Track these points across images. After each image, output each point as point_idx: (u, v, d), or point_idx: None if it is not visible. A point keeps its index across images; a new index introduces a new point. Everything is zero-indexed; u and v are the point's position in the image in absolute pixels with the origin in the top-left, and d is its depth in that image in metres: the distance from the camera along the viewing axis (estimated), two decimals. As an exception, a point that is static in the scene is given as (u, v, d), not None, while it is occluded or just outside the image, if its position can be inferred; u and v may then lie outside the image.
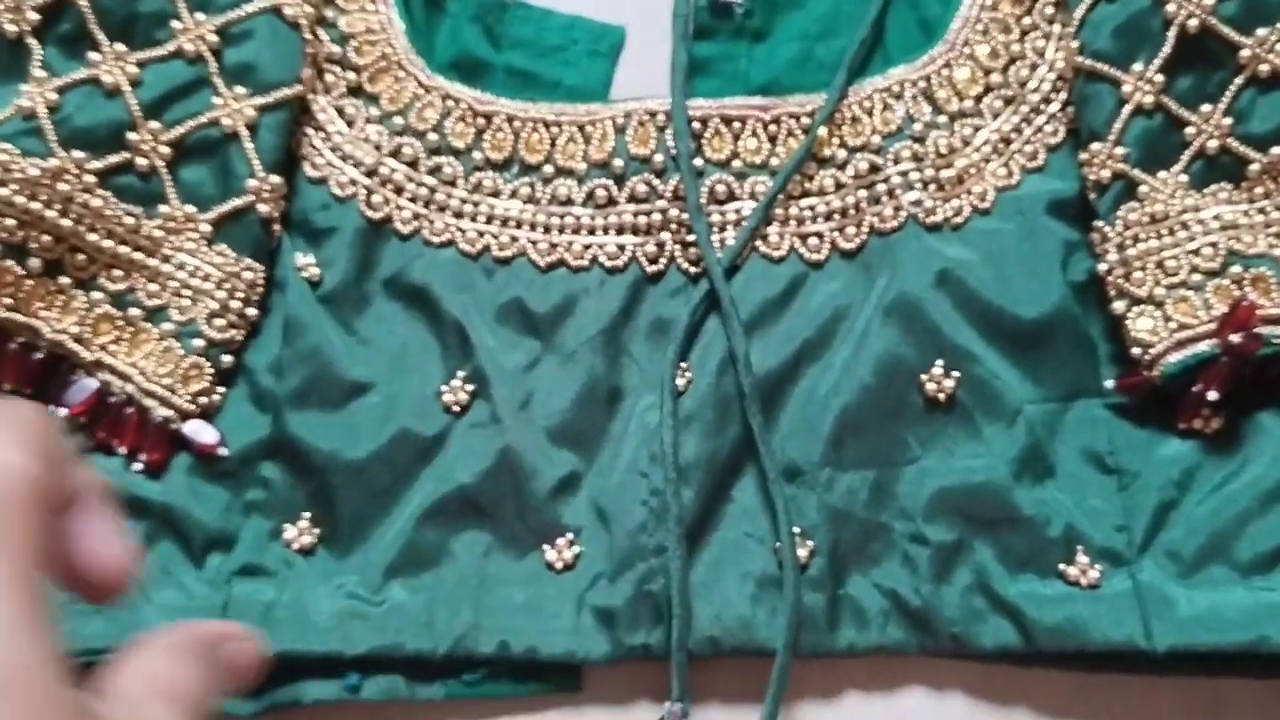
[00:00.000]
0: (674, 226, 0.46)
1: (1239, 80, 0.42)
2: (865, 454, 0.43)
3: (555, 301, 0.45)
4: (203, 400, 0.44)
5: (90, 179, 0.44)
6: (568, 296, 0.45)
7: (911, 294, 0.43)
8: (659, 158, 0.46)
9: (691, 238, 0.45)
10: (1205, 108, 0.42)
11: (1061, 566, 0.41)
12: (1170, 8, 0.42)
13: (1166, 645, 0.39)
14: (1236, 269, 0.41)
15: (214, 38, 0.45)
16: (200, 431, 0.44)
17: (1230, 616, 0.39)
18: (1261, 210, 0.42)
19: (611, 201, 0.46)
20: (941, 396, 0.42)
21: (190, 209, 0.45)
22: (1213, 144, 0.42)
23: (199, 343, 0.44)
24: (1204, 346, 0.41)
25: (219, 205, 0.45)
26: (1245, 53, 0.41)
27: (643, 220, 0.46)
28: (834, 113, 0.46)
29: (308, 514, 0.43)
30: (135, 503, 0.43)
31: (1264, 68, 0.41)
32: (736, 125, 0.46)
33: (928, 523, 0.42)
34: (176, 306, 0.44)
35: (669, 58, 0.47)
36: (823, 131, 0.46)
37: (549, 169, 0.47)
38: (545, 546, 0.42)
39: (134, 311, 0.44)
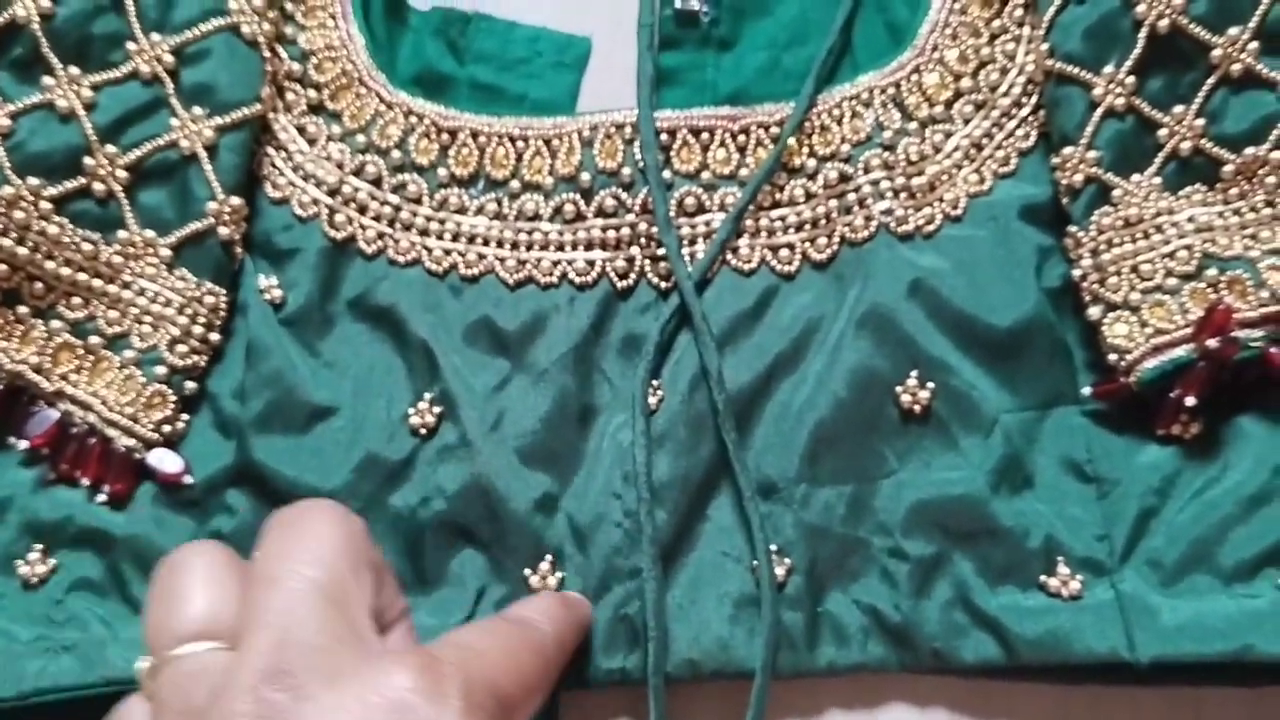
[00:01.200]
0: (643, 241, 0.45)
1: (1211, 80, 0.41)
2: (841, 468, 0.42)
3: (524, 320, 0.44)
4: (166, 428, 0.43)
5: (46, 206, 0.43)
6: (537, 314, 0.44)
7: (884, 305, 0.42)
8: (627, 171, 0.45)
9: (661, 252, 0.44)
10: (1178, 109, 0.41)
11: (1042, 578, 0.40)
12: (1140, 9, 0.41)
13: (1150, 656, 0.38)
14: (1212, 271, 0.40)
15: (170, 58, 0.44)
16: (164, 460, 0.43)
17: (1214, 625, 0.38)
18: (1236, 211, 0.41)
19: (580, 216, 0.45)
20: (917, 408, 0.42)
21: (149, 234, 0.44)
22: (1186, 145, 0.41)
23: (161, 370, 0.43)
24: (1181, 351, 0.40)
25: (179, 229, 0.44)
26: (1217, 52, 0.41)
27: (611, 235, 0.45)
28: (803, 122, 0.45)
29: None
30: (100, 535, 0.42)
31: (1236, 67, 0.41)
32: (705, 136, 0.46)
33: (906, 537, 0.41)
34: (137, 333, 0.44)
35: (635, 68, 0.47)
36: (792, 141, 0.45)
37: (515, 184, 0.46)
38: (528, 570, 0.42)
39: (94, 340, 0.43)
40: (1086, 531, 0.40)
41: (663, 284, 0.45)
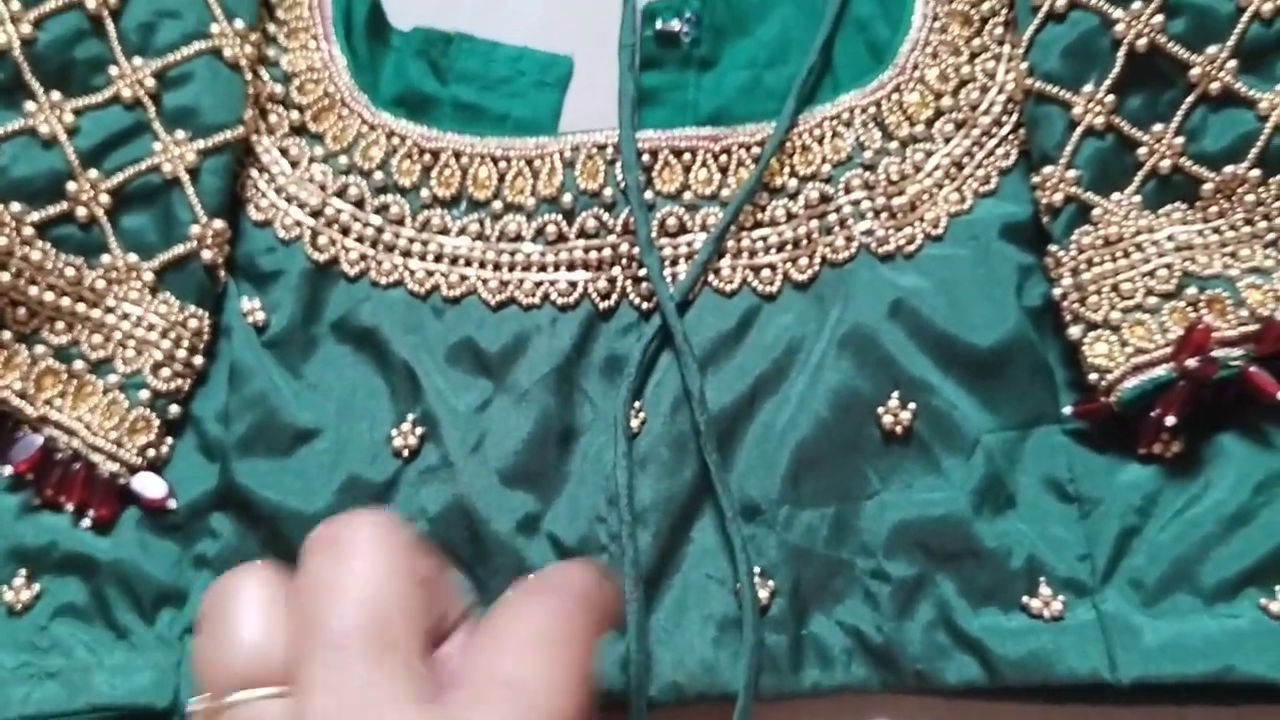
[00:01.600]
0: (625, 261, 0.45)
1: (1190, 99, 0.41)
2: (824, 490, 0.42)
3: (506, 340, 0.44)
4: (150, 453, 0.43)
5: (29, 231, 0.43)
6: (519, 335, 0.44)
7: (865, 325, 0.42)
8: (609, 192, 0.45)
9: (643, 272, 0.44)
10: (1157, 127, 0.41)
11: (1024, 599, 0.40)
12: (1119, 27, 0.41)
13: (1132, 677, 0.38)
14: (1192, 290, 0.40)
15: (152, 82, 0.44)
16: (148, 485, 0.43)
17: (1195, 646, 0.38)
18: (1216, 230, 0.41)
19: (562, 237, 0.45)
20: (899, 429, 0.42)
21: (133, 258, 0.44)
22: (1165, 164, 0.41)
23: (145, 394, 0.43)
24: (1161, 371, 0.40)
25: (162, 253, 0.44)
26: (1195, 71, 0.41)
27: (594, 256, 0.45)
28: (784, 142, 0.45)
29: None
30: (84, 560, 0.42)
31: (1215, 86, 0.41)
32: (687, 156, 0.46)
33: (889, 558, 0.41)
34: (121, 358, 0.44)
35: (617, 88, 0.47)
36: (773, 161, 0.45)
37: (498, 205, 0.46)
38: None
39: (78, 365, 0.43)
40: (1068, 551, 0.40)
41: (645, 305, 0.45)
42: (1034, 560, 0.40)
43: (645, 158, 0.45)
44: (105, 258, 0.44)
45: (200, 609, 0.29)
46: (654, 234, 0.45)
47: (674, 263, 0.45)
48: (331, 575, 0.27)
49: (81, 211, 0.43)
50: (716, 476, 0.41)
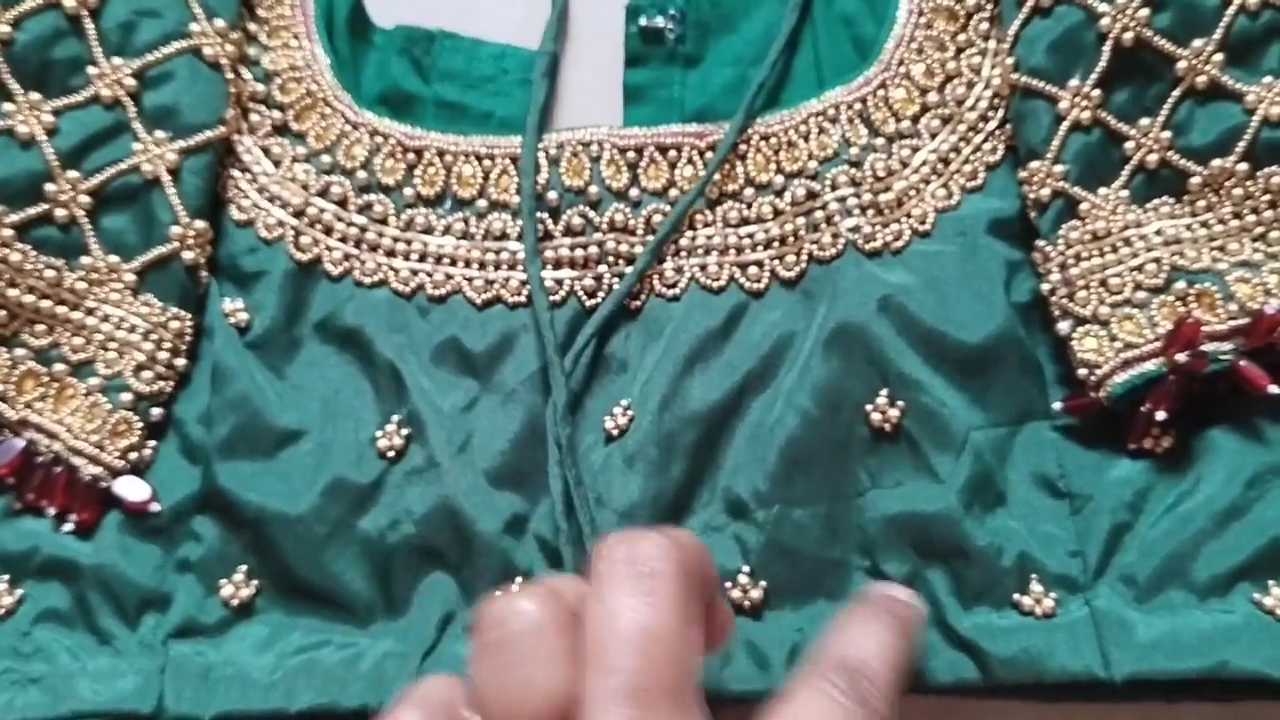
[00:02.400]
0: (611, 259, 0.45)
1: (1176, 93, 0.41)
2: (814, 488, 0.42)
3: (492, 340, 0.44)
4: (133, 456, 0.43)
5: (8, 233, 0.42)
6: (505, 334, 0.44)
7: (853, 323, 0.42)
8: (594, 189, 0.45)
9: (630, 270, 0.44)
10: (1144, 121, 0.41)
11: (1016, 597, 0.40)
12: (1104, 22, 0.41)
13: (1125, 674, 0.38)
14: (1181, 285, 0.40)
15: (132, 81, 0.44)
16: (131, 488, 0.42)
17: (1189, 642, 0.38)
18: (1204, 224, 0.41)
19: (547, 235, 0.45)
20: (887, 427, 0.41)
21: (113, 259, 0.43)
22: (1152, 158, 0.41)
23: (127, 396, 0.43)
24: (1151, 365, 0.40)
25: (143, 254, 0.44)
26: (1182, 64, 0.41)
27: (580, 254, 0.45)
28: (736, 145, 0.45)
29: (244, 567, 0.42)
30: (66, 565, 0.42)
31: (1201, 79, 0.41)
32: (672, 153, 0.45)
33: (880, 556, 0.41)
34: (102, 360, 0.43)
35: (602, 85, 0.47)
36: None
37: (483, 203, 0.45)
38: (498, 594, 0.41)
39: (59, 367, 0.43)
40: (1060, 548, 0.40)
41: (632, 303, 0.44)
42: (1025, 558, 0.40)
43: (630, 155, 0.45)
44: (85, 259, 0.43)
45: (481, 633, 0.28)
46: (640, 230, 0.45)
47: (660, 260, 0.45)
48: (627, 619, 0.26)
49: (61, 213, 0.43)
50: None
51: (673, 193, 0.45)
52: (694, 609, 0.27)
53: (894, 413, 0.41)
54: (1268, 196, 0.40)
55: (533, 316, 0.44)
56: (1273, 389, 0.39)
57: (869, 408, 0.42)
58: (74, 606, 0.42)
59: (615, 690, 0.24)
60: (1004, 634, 0.39)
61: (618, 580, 0.26)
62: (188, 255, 0.44)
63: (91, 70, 0.43)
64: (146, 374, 0.43)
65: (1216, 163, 0.41)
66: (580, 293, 0.44)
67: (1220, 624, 0.38)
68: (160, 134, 0.44)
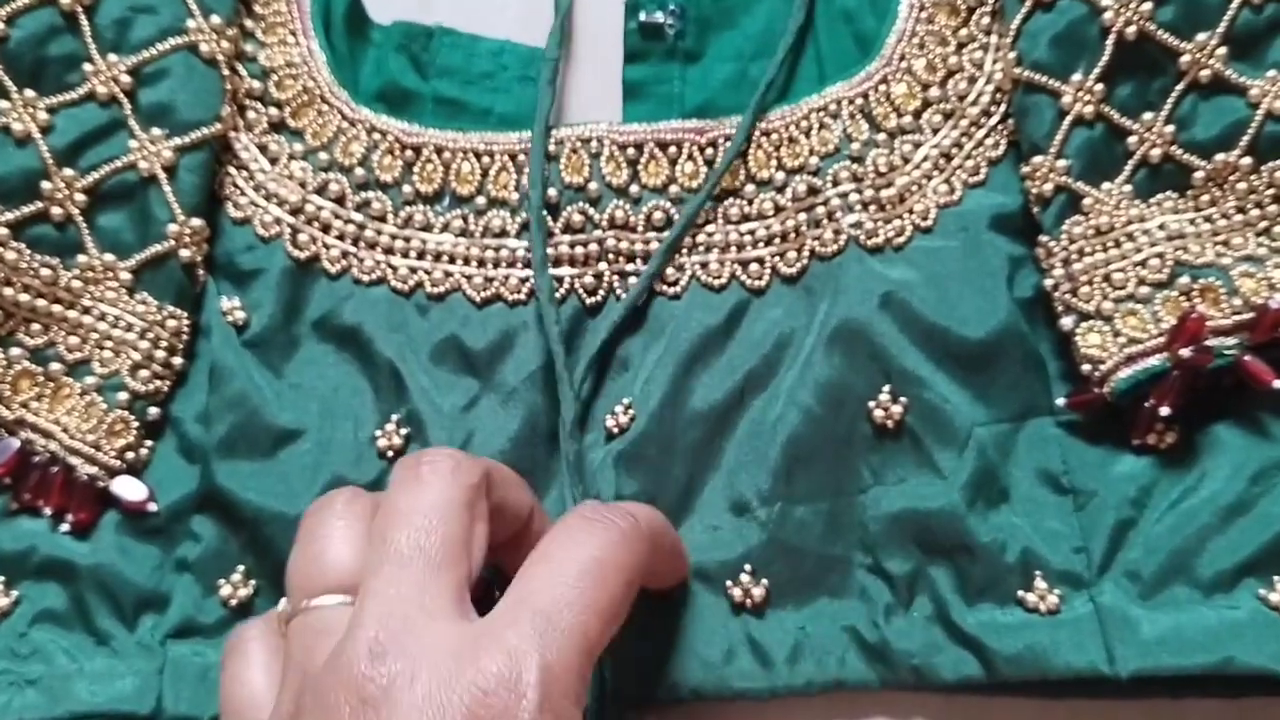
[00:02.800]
0: (611, 257, 0.44)
1: (1180, 87, 0.41)
2: (816, 485, 0.41)
3: (492, 338, 0.44)
4: (129, 455, 0.42)
5: (3, 231, 0.42)
6: (505, 332, 0.44)
7: (855, 319, 0.42)
8: (594, 186, 0.45)
9: (630, 268, 0.44)
10: (1147, 116, 0.41)
11: (1020, 593, 0.40)
12: (1108, 15, 0.41)
13: (1130, 671, 0.38)
14: (1185, 280, 0.40)
15: (127, 79, 0.43)
16: (128, 488, 0.42)
17: (1194, 638, 0.38)
18: (1208, 219, 0.41)
19: (547, 232, 0.45)
20: (890, 423, 0.41)
21: (109, 257, 0.43)
22: (1156, 152, 0.41)
23: (123, 396, 0.43)
24: (1155, 361, 0.40)
25: (139, 252, 0.43)
26: (1185, 58, 0.41)
27: (580, 251, 0.44)
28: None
29: (242, 567, 0.42)
30: (63, 566, 0.42)
31: (1204, 73, 0.40)
32: (673, 150, 0.45)
33: (883, 554, 0.41)
34: (99, 359, 0.43)
35: (601, 80, 0.46)
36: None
37: (481, 200, 0.45)
38: (497, 592, 0.41)
39: (55, 366, 0.43)
40: (1064, 544, 0.40)
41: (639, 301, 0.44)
42: (1029, 554, 0.40)
43: (630, 151, 0.45)
44: (81, 257, 0.43)
45: (300, 527, 0.33)
46: (640, 228, 0.44)
47: (668, 257, 0.44)
48: (405, 502, 0.31)
49: (56, 211, 0.43)
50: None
51: (673, 189, 0.45)
52: (472, 502, 0.31)
53: (897, 409, 0.41)
54: (1272, 190, 0.40)
55: (535, 315, 0.44)
56: (1277, 384, 0.38)
57: (872, 404, 0.41)
58: (71, 607, 0.41)
59: (382, 557, 0.30)
60: (1008, 631, 0.39)
61: (402, 476, 0.32)
62: (184, 253, 0.43)
63: (87, 67, 0.43)
64: (143, 373, 0.43)
65: (1220, 157, 0.41)
66: (580, 290, 0.44)
67: (1225, 620, 0.38)
68: (156, 131, 0.43)
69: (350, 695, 0.27)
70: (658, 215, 0.44)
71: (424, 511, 0.30)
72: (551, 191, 0.45)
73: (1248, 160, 0.40)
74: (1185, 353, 0.39)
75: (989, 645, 0.39)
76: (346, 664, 0.28)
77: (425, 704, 0.27)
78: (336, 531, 0.32)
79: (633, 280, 0.44)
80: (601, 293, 0.44)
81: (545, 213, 0.45)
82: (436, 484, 0.31)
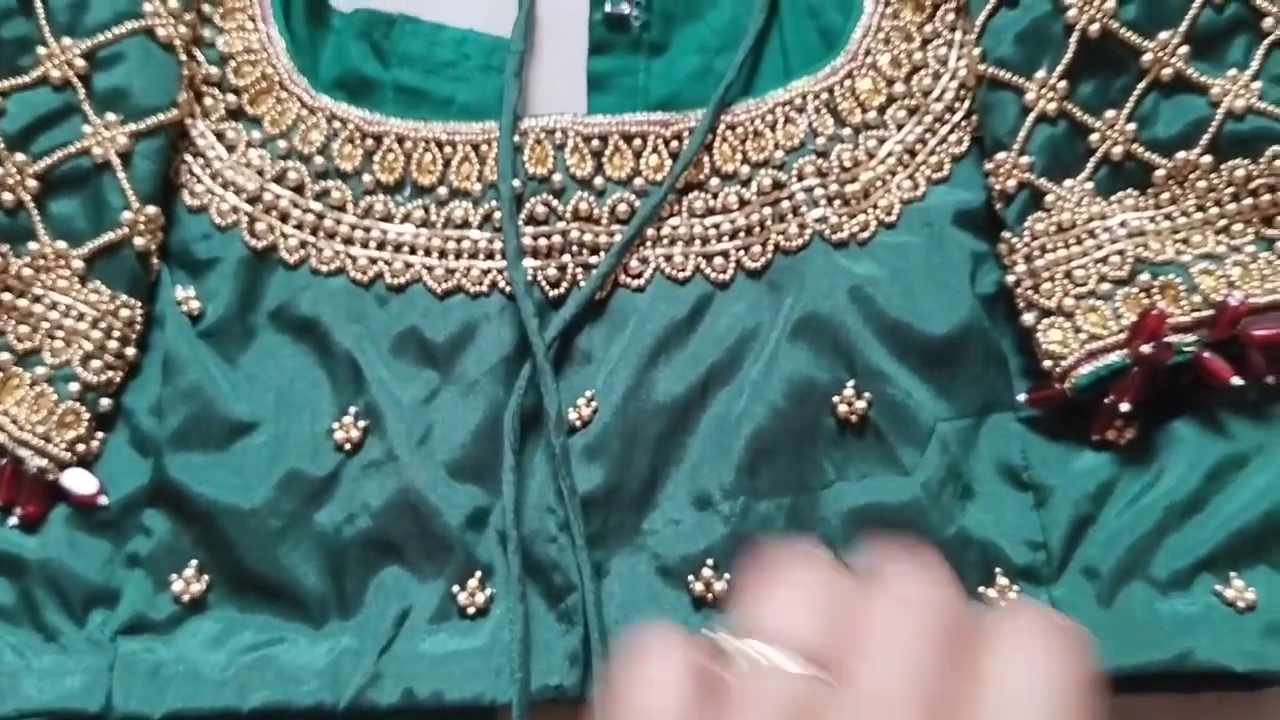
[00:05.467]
0: (575, 249, 0.44)
1: (1142, 85, 0.41)
2: (780, 480, 0.41)
3: (453, 330, 0.43)
4: (80, 448, 0.42)
5: (-49, 217, 0.41)
6: (466, 324, 0.43)
7: (819, 314, 0.42)
8: (558, 177, 0.44)
9: (594, 260, 0.44)
10: (1109, 113, 0.41)
11: (981, 589, 0.40)
12: (1071, 13, 0.41)
13: None
14: (1145, 277, 0.40)
15: (82, 62, 0.42)
16: (78, 481, 0.41)
17: (1151, 636, 0.38)
18: (1168, 216, 0.41)
19: (509, 224, 0.44)
20: (854, 418, 0.41)
21: (61, 245, 0.42)
22: (1117, 150, 0.41)
23: (74, 387, 0.42)
24: (1115, 357, 0.40)
25: (92, 240, 0.42)
26: (1147, 57, 0.41)
27: (543, 243, 0.44)
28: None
29: (195, 562, 0.41)
30: (12, 560, 0.41)
31: (1166, 71, 0.41)
32: (637, 142, 0.45)
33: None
34: (49, 349, 0.42)
35: (566, 72, 0.46)
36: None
37: (443, 191, 0.45)
38: (456, 587, 0.41)
39: (3, 356, 0.42)
40: (1023, 540, 0.40)
41: (597, 294, 0.44)
42: (989, 550, 0.40)
43: (595, 143, 0.45)
44: (33, 245, 0.42)
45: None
46: (604, 220, 0.44)
47: (625, 250, 0.44)
48: (904, 608, 0.24)
49: (7, 197, 0.42)
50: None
51: (637, 182, 0.44)
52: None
53: (861, 405, 0.41)
54: (1231, 189, 0.41)
55: (498, 307, 0.43)
56: (1236, 381, 0.39)
57: (835, 400, 0.41)
58: (19, 602, 0.40)
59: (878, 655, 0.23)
60: None
61: (897, 585, 0.25)
62: (139, 241, 0.43)
63: (40, 50, 0.42)
64: (95, 363, 0.42)
65: (1181, 155, 0.41)
66: (544, 282, 0.44)
67: (1182, 617, 0.38)
68: (111, 116, 0.43)
69: None
70: (622, 207, 0.44)
71: (924, 624, 0.24)
72: (516, 182, 0.44)
73: (1208, 159, 0.41)
74: (1145, 349, 0.39)
75: None
76: None
77: None
78: (816, 595, 0.25)
79: (596, 273, 0.44)
80: (565, 285, 0.44)
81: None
82: (932, 606, 0.25)
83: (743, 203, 0.44)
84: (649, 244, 0.44)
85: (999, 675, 0.23)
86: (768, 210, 0.44)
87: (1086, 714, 0.23)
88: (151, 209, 0.43)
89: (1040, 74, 0.42)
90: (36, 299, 0.42)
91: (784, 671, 0.24)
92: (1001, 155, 0.42)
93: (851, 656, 0.23)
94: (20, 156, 0.42)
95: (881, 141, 0.44)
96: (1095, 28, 0.41)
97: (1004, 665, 0.23)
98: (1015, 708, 0.23)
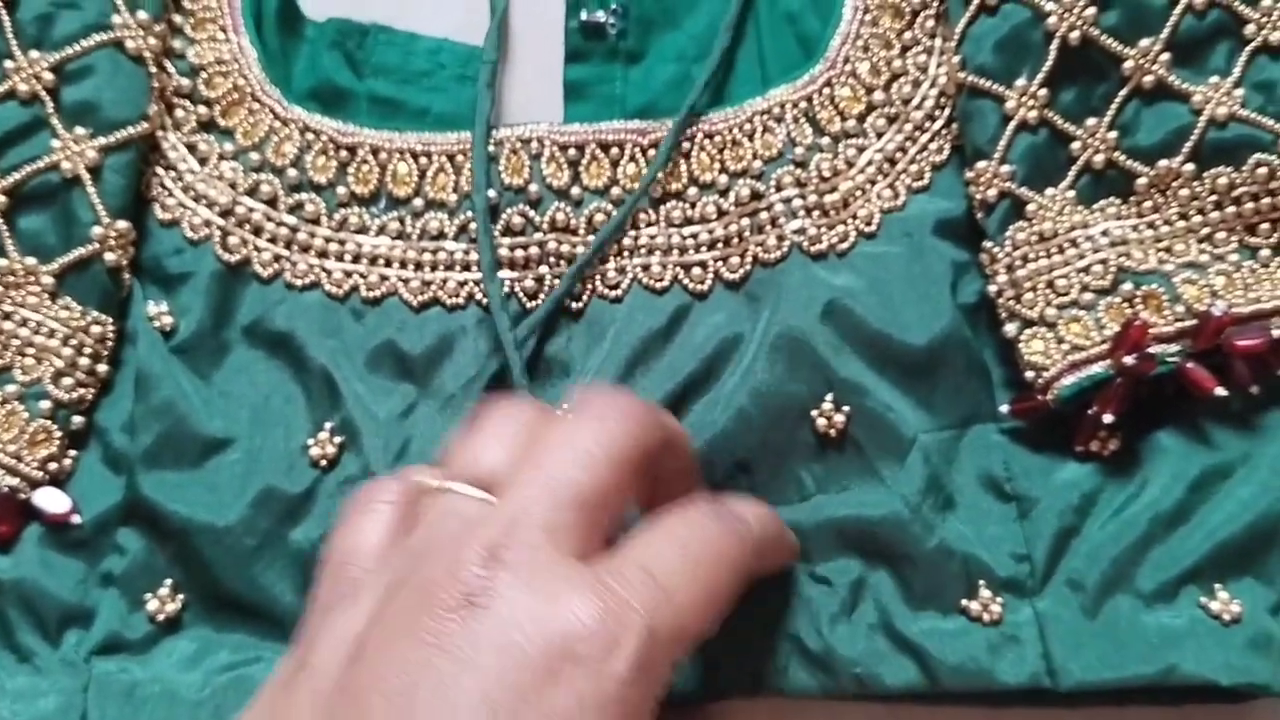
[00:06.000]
0: (552, 260, 0.43)
1: (1123, 92, 0.41)
2: (757, 493, 0.41)
3: (430, 343, 0.43)
4: (52, 466, 0.41)
5: (-82, 233, 0.41)
6: (443, 337, 0.43)
7: (797, 327, 0.41)
8: (534, 188, 0.44)
9: (572, 270, 0.43)
10: (1090, 121, 0.41)
11: (963, 602, 0.39)
12: (1051, 20, 0.40)
13: (1071, 684, 0.38)
14: (1128, 286, 0.40)
15: (50, 76, 0.42)
16: (51, 500, 0.41)
17: (1136, 650, 0.38)
18: (1151, 225, 0.41)
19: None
20: (833, 432, 0.41)
21: (31, 261, 0.42)
22: (1099, 158, 0.41)
23: (46, 404, 0.41)
24: (1098, 368, 0.39)
25: (62, 255, 0.42)
26: (1128, 64, 0.40)
27: (520, 254, 0.43)
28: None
29: (170, 580, 0.41)
30: (-17, 581, 0.40)
31: (1148, 79, 0.40)
32: (614, 151, 0.44)
33: (826, 562, 0.40)
34: (20, 367, 0.41)
35: (542, 80, 0.45)
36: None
37: (419, 202, 0.44)
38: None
39: (-27, 375, 0.41)
40: (1006, 552, 0.40)
41: (573, 304, 0.43)
42: (972, 562, 0.39)
43: (571, 152, 0.44)
44: (1, 261, 0.42)
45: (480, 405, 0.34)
46: (581, 230, 0.44)
47: (603, 260, 0.44)
48: (577, 434, 0.30)
49: (-25, 212, 0.41)
50: None
51: (615, 191, 0.44)
52: (639, 463, 0.31)
53: (840, 418, 0.41)
54: (1214, 197, 0.40)
55: (475, 320, 0.43)
56: (1220, 391, 0.38)
57: (814, 413, 0.41)
58: (-9, 625, 0.40)
59: (532, 477, 0.29)
60: (951, 639, 0.39)
61: (585, 408, 0.31)
62: (109, 257, 0.42)
63: (7, 64, 0.42)
64: (66, 381, 0.41)
65: (1163, 163, 0.40)
66: (520, 294, 0.43)
67: (1167, 630, 0.38)
68: (80, 130, 0.42)
69: (453, 588, 0.27)
70: (599, 218, 0.44)
71: (590, 450, 0.30)
72: (491, 193, 0.44)
73: (1190, 167, 0.40)
74: (1128, 360, 0.39)
75: (932, 654, 0.38)
76: (462, 560, 0.27)
77: (514, 630, 0.26)
78: (506, 430, 0.32)
79: (574, 285, 0.43)
80: (542, 296, 0.43)
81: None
82: (613, 429, 0.31)
83: (721, 213, 0.44)
84: (626, 254, 0.43)
85: (656, 540, 0.30)
86: (746, 221, 0.43)
87: (731, 585, 0.30)
88: (122, 224, 0.42)
89: (1020, 82, 0.41)
90: (6, 316, 0.41)
91: (458, 495, 0.30)
92: (982, 164, 0.42)
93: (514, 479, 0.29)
94: (-13, 172, 0.41)
95: (861, 150, 0.44)
96: (1075, 35, 0.40)
97: (662, 533, 0.30)
98: (662, 566, 0.29)
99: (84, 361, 0.42)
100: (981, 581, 0.39)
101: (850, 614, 0.40)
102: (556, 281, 0.43)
